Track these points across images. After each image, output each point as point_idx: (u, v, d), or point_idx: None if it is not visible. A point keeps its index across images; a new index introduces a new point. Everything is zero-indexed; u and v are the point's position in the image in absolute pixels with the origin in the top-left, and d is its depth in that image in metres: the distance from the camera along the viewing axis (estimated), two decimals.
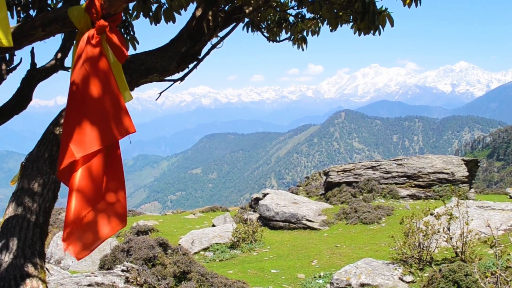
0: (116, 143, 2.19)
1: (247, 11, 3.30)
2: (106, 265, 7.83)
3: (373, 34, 3.52)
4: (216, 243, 12.34)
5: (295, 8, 4.08)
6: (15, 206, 2.33)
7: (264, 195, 17.30)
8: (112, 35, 2.19)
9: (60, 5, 3.65)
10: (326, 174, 20.33)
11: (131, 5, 3.53)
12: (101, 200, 2.12)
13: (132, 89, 2.73)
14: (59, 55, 3.85)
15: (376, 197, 16.89)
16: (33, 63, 3.70)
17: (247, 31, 4.30)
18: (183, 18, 3.34)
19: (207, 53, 3.30)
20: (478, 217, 9.45)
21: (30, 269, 2.15)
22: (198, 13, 3.09)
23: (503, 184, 73.02)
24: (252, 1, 3.29)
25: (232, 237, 12.32)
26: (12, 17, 3.46)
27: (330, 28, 3.76)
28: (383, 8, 3.42)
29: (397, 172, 17.88)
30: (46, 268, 2.45)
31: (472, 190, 17.48)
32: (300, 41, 4.31)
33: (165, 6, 3.35)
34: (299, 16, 4.14)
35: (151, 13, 3.46)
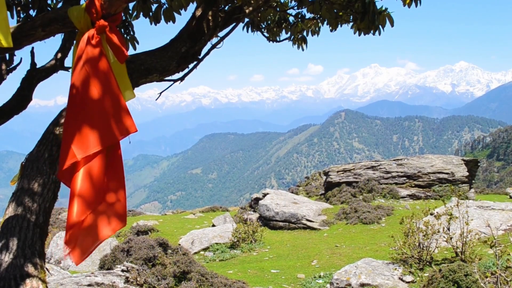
0: (117, 144, 2.19)
1: (247, 11, 3.29)
2: (106, 265, 7.83)
3: (373, 34, 3.52)
4: (216, 243, 12.34)
5: (295, 8, 4.08)
6: (15, 206, 2.33)
7: (264, 195, 17.30)
8: (112, 35, 2.20)
9: (60, 5, 3.65)
10: (326, 174, 20.33)
11: (131, 5, 3.53)
12: (102, 202, 2.13)
13: (132, 89, 2.73)
14: (59, 55, 3.85)
15: (376, 197, 16.89)
16: (33, 63, 3.70)
17: (247, 31, 4.30)
18: (183, 18, 3.34)
19: (207, 53, 3.30)
20: (478, 217, 9.45)
21: (30, 269, 2.15)
22: (198, 13, 3.09)
23: (503, 184, 73.02)
24: (252, 1, 3.29)
25: (232, 237, 12.33)
26: (12, 17, 3.46)
27: (330, 28, 3.76)
28: (383, 8, 3.42)
29: (397, 172, 17.88)
30: (46, 268, 2.45)
31: (472, 190, 17.48)
32: (300, 41, 4.31)
33: (165, 6, 3.35)
34: (299, 16, 4.14)
35: (151, 13, 3.46)
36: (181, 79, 3.38)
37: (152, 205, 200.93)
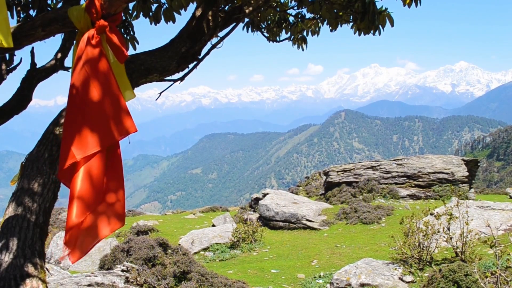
0: (116, 144, 2.19)
1: (247, 11, 3.30)
2: (106, 265, 7.84)
3: (373, 34, 3.52)
4: (216, 243, 12.34)
5: (295, 8, 4.08)
6: (15, 206, 2.33)
7: (264, 195, 17.30)
8: (112, 35, 2.20)
9: (60, 5, 3.65)
10: (326, 174, 20.33)
11: (131, 5, 3.53)
12: (101, 202, 2.13)
13: (132, 89, 2.73)
14: (59, 55, 3.85)
15: (376, 197, 16.89)
16: (33, 63, 3.70)
17: (247, 31, 4.30)
18: (183, 18, 3.34)
19: (207, 53, 3.30)
20: (478, 217, 9.45)
21: (30, 269, 2.15)
22: (198, 13, 3.09)
23: (503, 184, 73.05)
24: (252, 1, 3.29)
25: (232, 237, 12.33)
26: (12, 17, 3.46)
27: (330, 28, 3.76)
28: (383, 8, 3.42)
29: (397, 172, 17.88)
30: (46, 268, 2.45)
31: (472, 190, 17.47)
32: (300, 41, 4.31)
33: (165, 6, 3.35)
34: (299, 16, 4.14)
35: (151, 13, 3.46)
36: (181, 79, 3.38)
37: (152, 205, 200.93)
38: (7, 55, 3.70)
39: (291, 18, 4.25)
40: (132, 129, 2.15)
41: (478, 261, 6.79)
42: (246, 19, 4.15)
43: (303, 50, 4.36)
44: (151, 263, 6.96)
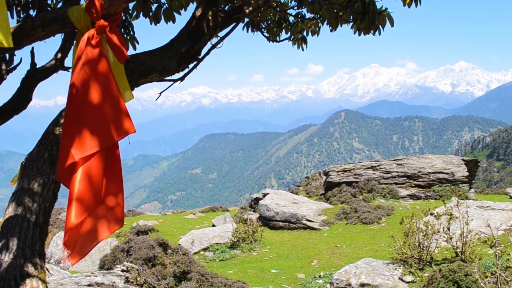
0: (115, 144, 2.19)
1: (247, 11, 3.30)
2: (106, 265, 7.84)
3: (373, 34, 3.52)
4: (216, 243, 12.34)
5: (295, 8, 4.08)
6: (15, 206, 2.33)
7: (264, 195, 17.30)
8: (112, 35, 2.20)
9: (60, 5, 3.65)
10: (326, 174, 20.33)
11: (131, 5, 3.53)
12: (100, 204, 2.13)
13: (132, 89, 2.73)
14: (59, 55, 3.85)
15: (376, 197, 16.89)
16: (33, 63, 3.70)
17: (247, 31, 4.30)
18: (183, 18, 3.34)
19: (207, 53, 3.30)
20: (478, 217, 9.45)
21: (30, 269, 2.15)
22: (198, 13, 3.09)
23: (503, 184, 73.05)
24: (252, 1, 3.29)
25: (232, 237, 12.33)
26: (12, 17, 3.46)
27: (330, 28, 3.76)
28: (383, 8, 3.42)
29: (397, 172, 17.88)
30: (46, 268, 2.45)
31: (472, 190, 17.47)
32: (300, 41, 4.31)
33: (165, 6, 3.35)
34: (299, 16, 4.14)
35: (151, 13, 3.46)
36: (181, 79, 3.38)
37: (152, 205, 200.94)
38: (7, 55, 3.70)
39: (291, 18, 4.25)
40: (131, 129, 2.15)
41: (478, 261, 6.79)
42: (246, 19, 4.15)
43: (303, 50, 4.36)
44: (151, 263, 6.96)
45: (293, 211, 14.51)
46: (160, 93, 3.70)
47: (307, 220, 14.16)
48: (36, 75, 3.72)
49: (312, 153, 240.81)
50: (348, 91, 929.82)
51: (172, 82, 3.38)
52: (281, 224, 14.55)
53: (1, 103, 3.68)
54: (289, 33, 4.29)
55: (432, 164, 17.66)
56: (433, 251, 7.47)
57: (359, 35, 3.67)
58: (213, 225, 15.29)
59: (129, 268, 6.48)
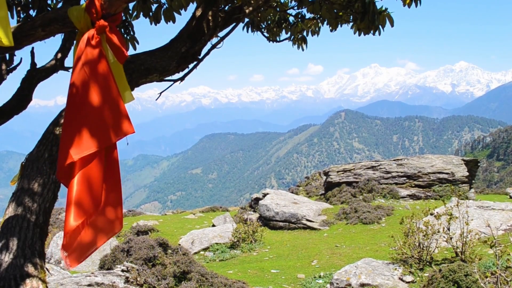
0: (113, 145, 2.20)
1: (247, 11, 3.29)
2: (106, 265, 7.84)
3: (373, 34, 3.52)
4: (216, 243, 12.34)
5: (295, 8, 4.08)
6: (15, 206, 2.33)
7: (264, 195, 17.30)
8: (112, 35, 2.19)
9: (60, 5, 3.65)
10: (326, 174, 20.33)
11: (131, 5, 3.53)
12: (99, 206, 2.13)
13: (132, 89, 2.73)
14: (59, 55, 3.85)
15: (376, 197, 16.89)
16: (33, 63, 3.70)
17: (247, 31, 4.30)
18: (183, 18, 3.34)
19: (207, 53, 3.30)
20: (478, 217, 9.45)
21: (30, 269, 2.15)
22: (198, 13, 3.09)
23: (503, 184, 73.05)
24: (252, 1, 3.29)
25: (232, 237, 12.33)
26: (12, 17, 3.46)
27: (330, 28, 3.76)
28: (383, 8, 3.42)
29: (397, 172, 17.88)
30: (46, 268, 2.45)
31: (472, 190, 17.48)
32: (300, 41, 4.31)
33: (165, 6, 3.35)
34: (299, 16, 4.14)
35: (151, 13, 3.46)
36: (181, 79, 3.38)
37: (152, 205, 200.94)
38: (7, 55, 3.70)
39: (291, 18, 4.25)
40: (130, 130, 2.15)
41: (478, 261, 6.79)
42: (246, 19, 4.15)
43: (303, 50, 4.36)
44: (151, 263, 6.96)
45: (293, 211, 14.51)
46: (160, 93, 3.70)
47: (307, 220, 14.16)
48: (36, 75, 3.72)
49: (312, 153, 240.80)
50: (348, 91, 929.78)
51: (172, 82, 3.38)
52: (281, 224, 14.55)
53: (1, 103, 3.68)
54: (289, 33, 4.29)
55: (432, 164, 17.66)
56: (433, 251, 7.47)
57: (359, 35, 3.67)
58: (213, 225, 15.30)
59: (129, 268, 6.48)
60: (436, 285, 5.68)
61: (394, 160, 18.98)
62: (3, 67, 3.72)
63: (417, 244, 7.40)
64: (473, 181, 18.96)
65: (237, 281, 7.07)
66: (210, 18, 3.12)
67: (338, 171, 19.37)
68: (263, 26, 4.36)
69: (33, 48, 3.57)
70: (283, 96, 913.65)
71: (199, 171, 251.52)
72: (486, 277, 4.83)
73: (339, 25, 3.73)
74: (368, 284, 6.64)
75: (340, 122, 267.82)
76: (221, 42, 3.44)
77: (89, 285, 5.82)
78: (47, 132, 2.58)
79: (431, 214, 8.37)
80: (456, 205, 7.50)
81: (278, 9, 4.11)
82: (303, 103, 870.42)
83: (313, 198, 19.92)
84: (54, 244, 11.41)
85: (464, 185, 16.98)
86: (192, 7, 3.18)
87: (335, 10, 3.56)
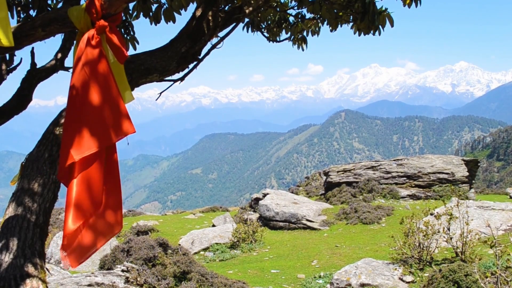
0: (113, 147, 2.20)
1: (247, 11, 3.29)
2: (106, 265, 7.84)
3: (373, 34, 3.52)
4: (216, 243, 12.34)
5: (295, 8, 4.08)
6: (15, 206, 2.33)
7: (264, 195, 17.30)
8: (112, 35, 2.19)
9: (60, 5, 3.65)
10: (326, 174, 20.33)
11: (131, 5, 3.53)
12: (99, 207, 2.13)
13: (132, 89, 2.73)
14: (59, 55, 3.85)
15: (376, 197, 16.89)
16: (33, 63, 3.70)
17: (247, 31, 4.30)
18: (183, 18, 3.34)
19: (207, 53, 3.30)
20: (478, 217, 9.45)
21: (30, 269, 2.15)
22: (198, 13, 3.09)
23: (503, 184, 73.08)
24: (252, 1, 3.29)
25: (232, 237, 12.33)
26: (12, 17, 3.46)
27: (330, 28, 3.76)
28: (383, 8, 3.42)
29: (397, 172, 17.88)
30: (46, 268, 2.45)
31: (472, 190, 17.47)
32: (300, 41, 4.31)
33: (165, 6, 3.35)
34: (299, 16, 4.14)
35: (151, 13, 3.46)
36: (181, 79, 3.38)
37: (152, 205, 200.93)
38: (7, 55, 3.70)
39: (291, 18, 4.25)
40: (130, 130, 2.15)
41: (478, 261, 6.79)
42: (246, 19, 4.15)
43: (303, 50, 4.36)
44: (151, 263, 6.96)
45: (293, 211, 14.51)
46: (160, 93, 3.70)
47: (307, 220, 14.16)
48: (36, 75, 3.72)
49: (312, 153, 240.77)
50: (348, 91, 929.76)
51: (172, 82, 3.38)
52: (281, 224, 14.54)
53: (1, 103, 3.68)
54: (289, 33, 4.29)
55: (432, 164, 17.66)
56: (433, 251, 7.47)
57: (359, 35, 3.67)
58: (213, 225, 15.29)
59: (129, 268, 6.48)
60: (436, 285, 5.68)
61: (394, 160, 18.98)
62: (3, 67, 3.72)
63: (417, 244, 7.40)
64: (473, 181, 18.96)
65: (237, 281, 7.07)
66: (210, 18, 3.12)
67: (338, 171, 19.36)
68: (263, 26, 4.36)
69: (33, 48, 3.57)
70: (283, 96, 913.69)
71: (199, 171, 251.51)
72: (486, 277, 4.83)
73: (339, 25, 3.73)
74: (368, 284, 6.64)
75: (340, 122, 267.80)
76: (221, 42, 3.44)
77: (89, 285, 5.82)
78: (47, 132, 2.58)
79: (431, 214, 8.37)
80: (456, 205, 7.50)
81: (278, 9, 4.11)
82: (303, 103, 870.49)
83: (313, 198, 19.92)
84: (54, 244, 11.41)
85: (464, 185, 16.98)
86: (192, 7, 3.19)
87: (335, 10, 3.56)
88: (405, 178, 17.64)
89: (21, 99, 3.67)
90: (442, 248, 8.18)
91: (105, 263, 7.94)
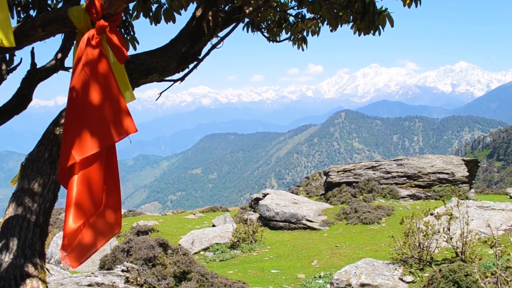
0: (113, 147, 2.19)
1: (247, 11, 3.29)
2: (106, 265, 7.83)
3: (373, 34, 3.52)
4: (216, 243, 12.34)
5: (295, 8, 4.08)
6: (15, 206, 2.33)
7: (264, 195, 17.30)
8: (112, 35, 2.19)
9: (60, 5, 3.65)
10: (326, 174, 20.33)
11: (131, 5, 3.53)
12: (99, 207, 2.13)
13: (132, 89, 2.73)
14: (59, 55, 3.85)
15: (376, 197, 16.89)
16: (33, 63, 3.70)
17: (247, 31, 4.30)
18: (183, 18, 3.34)
19: (207, 53, 3.30)
20: (478, 217, 9.45)
21: (30, 269, 2.15)
22: (198, 13, 3.09)
23: (503, 184, 73.07)
24: (252, 1, 3.29)
25: (232, 237, 12.33)
26: (12, 17, 3.46)
27: (330, 28, 3.76)
28: (383, 8, 3.42)
29: (397, 172, 17.88)
30: (46, 268, 2.45)
31: (472, 190, 17.47)
32: (300, 41, 4.31)
33: (165, 6, 3.35)
34: (299, 16, 4.14)
35: (151, 13, 3.46)
36: (181, 79, 3.38)
37: (152, 205, 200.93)
38: (7, 55, 3.70)
39: (291, 18, 4.25)
40: (132, 129, 2.15)
41: (478, 261, 6.79)
42: (246, 19, 4.15)
43: (303, 50, 4.36)
44: (151, 263, 6.96)
45: (293, 211, 14.51)
46: (160, 93, 3.70)
47: (307, 220, 14.16)
48: (36, 75, 3.72)
49: (312, 153, 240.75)
50: (348, 91, 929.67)
51: (172, 82, 3.38)
52: (281, 224, 14.54)
53: (1, 103, 3.68)
54: (289, 33, 4.29)
55: (432, 164, 17.66)
56: (433, 251, 7.47)
57: (359, 35, 3.67)
58: (213, 225, 15.29)
59: (129, 268, 6.48)
60: (436, 285, 5.68)
61: (394, 160, 18.98)
62: (3, 67, 3.72)
63: (417, 244, 7.40)
64: (473, 181, 18.96)
65: (237, 281, 7.07)
66: (210, 18, 3.12)
67: (338, 171, 19.36)
68: (263, 26, 4.36)
69: (33, 48, 3.57)
70: (283, 96, 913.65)
71: (199, 171, 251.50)
72: (486, 277, 4.83)
73: (339, 25, 3.73)
74: (368, 284, 6.64)
75: (340, 122, 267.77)
76: (221, 42, 3.44)
77: (89, 285, 5.82)
78: (47, 132, 2.58)
79: (431, 214, 8.37)
80: (456, 205, 7.50)
81: (278, 9, 4.11)
82: (303, 103, 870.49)
83: (313, 198, 19.92)
84: (54, 244, 11.41)
85: (464, 185, 16.97)
86: (192, 7, 3.19)
87: (335, 10, 3.56)
88: (405, 178, 17.64)
89: (21, 99, 3.68)
90: (442, 248, 8.18)
91: (105, 263, 7.94)
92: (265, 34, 4.39)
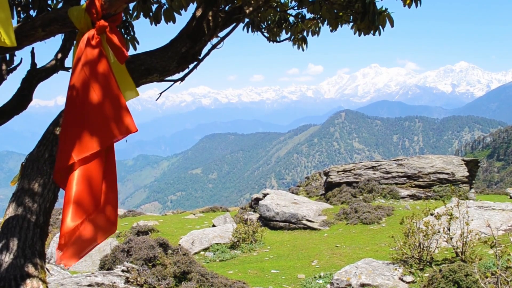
0: (111, 147, 2.19)
1: (247, 11, 3.29)
2: (106, 265, 7.84)
3: (373, 34, 3.52)
4: (216, 243, 12.34)
5: (295, 8, 4.08)
6: (15, 206, 2.33)
7: (264, 195, 17.30)
8: (112, 35, 2.19)
9: (60, 5, 3.65)
10: (326, 174, 20.33)
11: (131, 5, 3.53)
12: (96, 207, 2.12)
13: (135, 87, 2.73)
14: (59, 55, 3.85)
15: (376, 197, 16.89)
16: (33, 63, 3.70)
17: (247, 31, 4.30)
18: (183, 18, 3.34)
19: (207, 53, 3.30)
20: (478, 217, 9.45)
21: (30, 269, 2.15)
22: (198, 13, 3.09)
23: (503, 184, 73.06)
24: (252, 1, 3.29)
25: (232, 237, 12.33)
26: (12, 17, 3.45)
27: (330, 28, 3.76)
28: (383, 8, 3.42)
29: (397, 172, 17.88)
30: (46, 268, 2.45)
31: (472, 190, 17.47)
32: (300, 41, 4.31)
33: (165, 6, 3.35)
34: (299, 16, 4.14)
35: (151, 13, 3.46)
36: (181, 79, 3.37)
37: (152, 205, 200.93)
38: (7, 55, 3.70)
39: (291, 18, 4.25)
40: (132, 128, 2.14)
41: (479, 261, 6.79)
42: (246, 19, 4.15)
43: (303, 50, 4.36)
44: (151, 263, 6.96)
45: (293, 211, 14.51)
46: (160, 93, 3.70)
47: (307, 220, 14.16)
48: (36, 75, 3.72)
49: (312, 153, 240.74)
50: (348, 91, 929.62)
51: (172, 82, 3.38)
52: (281, 224, 14.54)
53: (1, 103, 3.68)
54: (289, 33, 4.29)
55: (432, 164, 17.66)
56: (434, 251, 7.47)
57: (359, 35, 3.67)
58: (213, 225, 15.29)
59: (129, 268, 6.48)
60: (436, 285, 5.68)
61: (394, 160, 18.98)
62: (3, 67, 3.72)
63: (417, 244, 7.40)
64: (473, 181, 18.95)
65: (237, 281, 7.07)
66: (210, 18, 3.12)
67: (338, 171, 19.36)
68: (263, 26, 4.36)
69: (33, 48, 3.57)
70: (283, 96, 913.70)
71: (199, 171, 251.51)
72: (487, 277, 4.83)
73: (339, 25, 3.72)
74: (368, 284, 6.64)
75: (340, 122, 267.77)
76: (221, 42, 3.44)
77: (89, 285, 5.82)
78: (47, 132, 2.58)
79: (431, 214, 8.37)
80: (456, 205, 7.50)
81: (278, 9, 4.11)
82: (303, 103, 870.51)
83: (313, 198, 19.92)
84: (54, 244, 11.42)
85: (464, 185, 16.97)
86: (192, 7, 3.18)
87: (335, 10, 3.56)
88: (405, 178, 17.63)
89: (21, 99, 3.67)
90: (442, 248, 8.18)
91: (105, 263, 7.95)
92: (265, 34, 4.39)
